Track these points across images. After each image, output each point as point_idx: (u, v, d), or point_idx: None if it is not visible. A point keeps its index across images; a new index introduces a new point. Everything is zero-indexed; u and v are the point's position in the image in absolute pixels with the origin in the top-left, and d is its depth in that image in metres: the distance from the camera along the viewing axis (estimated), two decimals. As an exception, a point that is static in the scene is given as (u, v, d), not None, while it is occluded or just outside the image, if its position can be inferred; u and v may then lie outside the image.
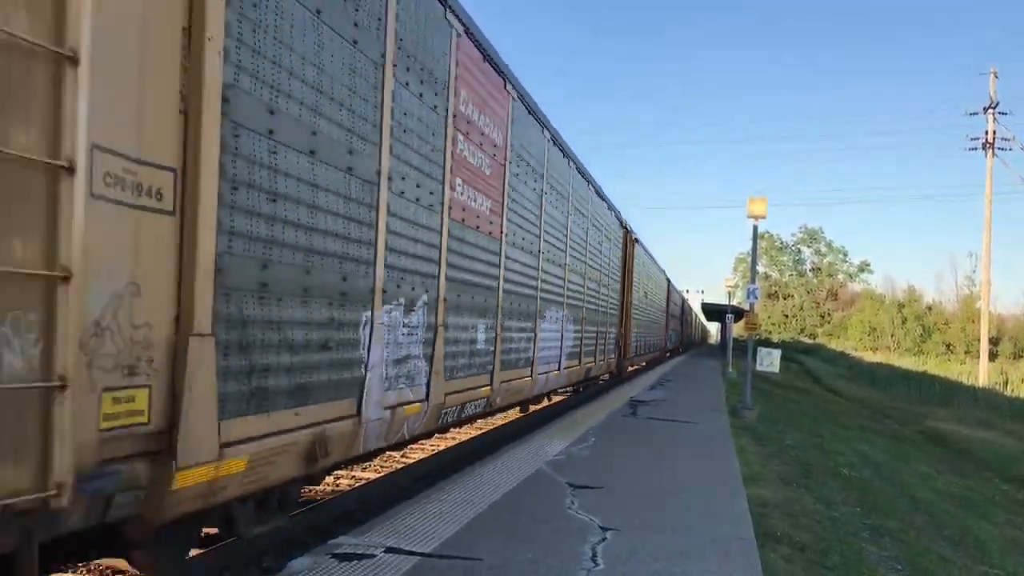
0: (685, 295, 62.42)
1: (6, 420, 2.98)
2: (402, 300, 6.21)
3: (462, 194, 7.64)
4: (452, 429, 12.05)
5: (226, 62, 3.95)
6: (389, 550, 4.75)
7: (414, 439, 9.28)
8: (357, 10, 5.22)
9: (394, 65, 5.81)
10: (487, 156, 8.46)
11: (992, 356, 49.24)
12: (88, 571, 5.23)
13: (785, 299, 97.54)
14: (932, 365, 53.33)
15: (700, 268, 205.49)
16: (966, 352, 61.62)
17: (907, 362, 56.17)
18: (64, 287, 3.10)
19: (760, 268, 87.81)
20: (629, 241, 20.75)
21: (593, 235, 15.47)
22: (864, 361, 58.07)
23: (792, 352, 58.86)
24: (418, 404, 6.59)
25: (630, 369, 23.23)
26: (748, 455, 9.88)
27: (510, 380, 9.73)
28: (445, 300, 7.17)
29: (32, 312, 3.05)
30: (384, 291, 5.79)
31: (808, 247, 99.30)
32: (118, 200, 3.38)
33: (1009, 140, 42.24)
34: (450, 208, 7.24)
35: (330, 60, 4.92)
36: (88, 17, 3.15)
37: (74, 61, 3.11)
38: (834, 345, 76.05)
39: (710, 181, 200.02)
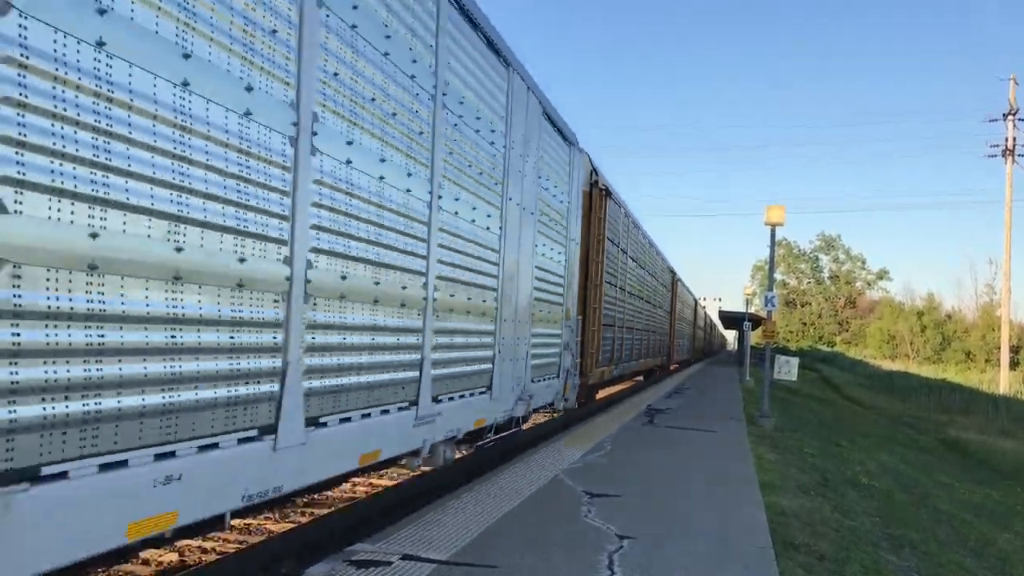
0: (702, 302, 62.78)
1: None
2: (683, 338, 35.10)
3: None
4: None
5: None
6: (405, 557, 4.77)
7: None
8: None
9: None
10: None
11: (1013, 364, 48.68)
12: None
13: (803, 307, 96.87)
14: (952, 373, 52.79)
15: (717, 275, 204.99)
16: (986, 360, 60.91)
17: (926, 370, 55.62)
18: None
19: (778, 275, 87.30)
20: (698, 303, 46.70)
21: (694, 310, 40.23)
22: (883, 369, 57.53)
23: (810, 360, 58.43)
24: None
25: (694, 359, 46.20)
26: (766, 464, 9.82)
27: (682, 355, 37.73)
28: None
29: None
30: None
31: (826, 254, 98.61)
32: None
33: (1030, 146, 41.85)
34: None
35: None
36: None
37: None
38: (852, 353, 75.40)
39: (725, 187, 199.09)
